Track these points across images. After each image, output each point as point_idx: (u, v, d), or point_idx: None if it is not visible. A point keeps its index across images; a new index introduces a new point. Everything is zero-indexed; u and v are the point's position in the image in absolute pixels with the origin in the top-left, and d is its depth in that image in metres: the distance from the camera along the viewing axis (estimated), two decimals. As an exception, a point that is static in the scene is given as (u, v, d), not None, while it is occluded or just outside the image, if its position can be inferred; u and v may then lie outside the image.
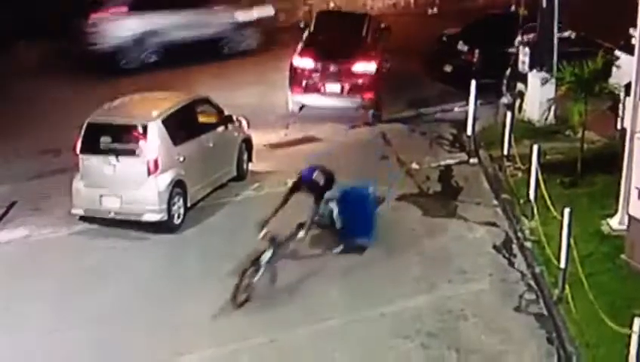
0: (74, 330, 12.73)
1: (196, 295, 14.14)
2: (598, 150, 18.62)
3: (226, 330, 12.97)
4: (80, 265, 14.07)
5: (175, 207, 16.58)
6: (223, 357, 12.27)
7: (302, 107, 23.61)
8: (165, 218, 16.31)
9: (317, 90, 23.46)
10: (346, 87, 23.20)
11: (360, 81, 23.29)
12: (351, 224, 15.44)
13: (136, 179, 16.23)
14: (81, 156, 16.65)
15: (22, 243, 16.25)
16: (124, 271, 14.64)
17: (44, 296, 13.95)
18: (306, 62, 23.70)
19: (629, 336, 10.25)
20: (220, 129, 18.57)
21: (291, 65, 23.67)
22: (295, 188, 14.55)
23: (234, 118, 19.08)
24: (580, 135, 18.04)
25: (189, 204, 17.10)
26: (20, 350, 12.61)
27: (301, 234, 14.22)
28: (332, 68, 23.45)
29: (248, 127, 19.66)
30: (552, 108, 20.73)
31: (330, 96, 23.44)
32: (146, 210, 16.10)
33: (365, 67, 23.39)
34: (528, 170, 16.61)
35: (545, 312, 13.37)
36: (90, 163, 16.56)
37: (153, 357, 12.26)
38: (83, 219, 16.39)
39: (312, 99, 23.43)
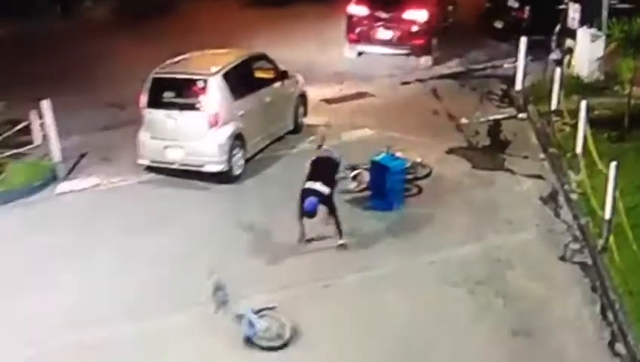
0: (139, 272, 13.04)
1: (254, 241, 14.34)
2: None
3: (281, 276, 13.14)
4: (147, 211, 14.35)
5: (235, 159, 16.75)
6: (278, 301, 12.26)
7: (360, 54, 23.67)
8: (226, 169, 16.50)
9: (370, 37, 23.56)
10: (397, 34, 23.23)
11: (411, 28, 23.29)
12: (379, 192, 15.46)
13: (197, 132, 16.37)
14: (145, 110, 16.88)
15: (93, 192, 16.58)
16: (187, 218, 14.91)
17: (113, 241, 14.27)
18: (359, 10, 23.82)
19: None
20: (277, 84, 18.68)
21: (347, 13, 23.75)
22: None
23: (290, 73, 19.17)
24: (627, 91, 17.81)
25: (248, 156, 17.29)
26: (91, 289, 12.96)
27: (341, 241, 14.10)
28: (384, 15, 23.48)
29: (304, 82, 19.75)
30: (601, 64, 20.55)
31: (382, 44, 23.50)
32: (207, 161, 16.28)
33: (416, 15, 23.36)
34: (576, 125, 16.56)
35: (589, 261, 13.35)
36: (154, 116, 16.76)
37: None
38: (149, 168, 16.66)
39: (365, 46, 23.52)
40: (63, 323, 12.03)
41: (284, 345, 11.10)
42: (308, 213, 13.42)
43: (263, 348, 11.09)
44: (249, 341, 11.02)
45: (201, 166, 16.17)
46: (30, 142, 17.66)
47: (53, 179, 16.95)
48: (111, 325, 11.88)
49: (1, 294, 12.89)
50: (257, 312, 11.25)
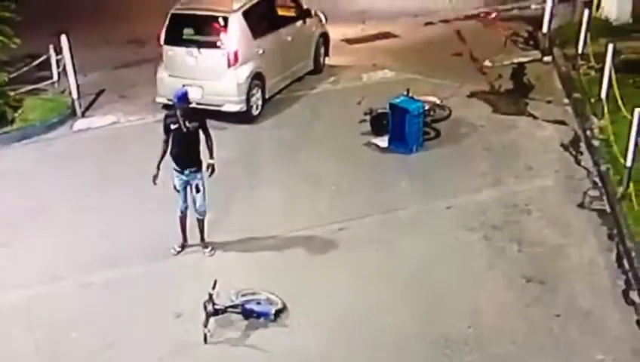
0: (156, 212, 13.18)
1: (270, 181, 14.53)
2: None
3: (299, 216, 13.32)
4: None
5: (254, 99, 16.84)
6: (293, 239, 12.63)
7: None
8: (244, 109, 16.58)
9: None
10: None
11: None
12: (397, 133, 15.47)
13: (217, 71, 16.43)
14: (164, 47, 16.93)
15: (110, 129, 16.80)
16: (204, 158, 14.99)
17: (130, 180, 14.42)
18: None
19: None
20: (299, 23, 18.67)
21: None
22: None
23: (312, 12, 19.12)
24: None
25: (267, 96, 17.35)
26: (109, 226, 13.22)
27: None
28: None
29: (326, 21, 19.70)
30: (631, 6, 20.36)
31: None
32: (226, 100, 16.35)
33: None
34: (602, 69, 16.36)
35: (607, 209, 13.34)
36: (174, 54, 16.84)
37: (230, 234, 12.72)
38: (167, 107, 16.46)
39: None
40: (79, 261, 12.27)
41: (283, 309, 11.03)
42: None
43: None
44: (277, 314, 10.84)
45: (220, 105, 16.20)
46: (48, 78, 17.81)
47: (70, 115, 17.14)
48: (126, 264, 12.13)
49: (19, 231, 13.15)
50: (244, 295, 11.07)
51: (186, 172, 11.98)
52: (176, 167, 11.99)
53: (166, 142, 11.92)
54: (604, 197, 13.75)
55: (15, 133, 16.42)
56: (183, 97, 11.80)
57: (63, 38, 16.78)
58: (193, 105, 12.34)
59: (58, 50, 17.15)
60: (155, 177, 11.92)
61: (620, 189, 13.32)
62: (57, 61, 17.44)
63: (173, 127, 11.85)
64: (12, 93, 17.02)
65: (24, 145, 16.17)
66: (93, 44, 19.49)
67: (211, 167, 12.14)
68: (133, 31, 21.20)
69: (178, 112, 11.84)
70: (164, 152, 11.95)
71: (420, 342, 10.42)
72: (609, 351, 10.18)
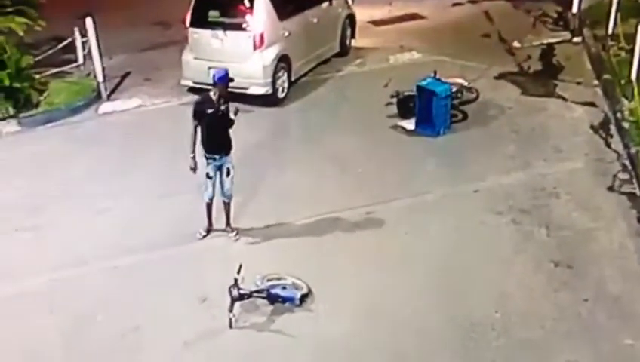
0: (182, 195, 13.25)
1: (297, 165, 14.58)
2: None
3: (326, 200, 13.33)
4: (189, 134, 14.62)
5: (279, 81, 16.90)
6: (319, 224, 12.65)
7: None
8: (270, 91, 16.65)
9: None
10: None
11: None
12: (424, 116, 15.48)
13: (242, 53, 16.48)
14: (190, 29, 17.01)
15: (136, 113, 16.93)
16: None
17: (155, 163, 14.63)
18: None
19: None
20: (325, 4, 18.70)
21: None
22: None
23: (338, -8, 19.10)
24: None
25: (293, 79, 17.42)
26: (134, 210, 13.32)
27: None
28: None
29: (352, 2, 19.69)
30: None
31: None
32: (251, 83, 16.37)
33: None
34: (632, 50, 16.29)
35: (638, 192, 13.28)
36: (199, 36, 16.92)
37: (256, 219, 12.75)
38: (192, 90, 16.78)
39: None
40: (104, 245, 12.38)
41: (308, 294, 11.03)
42: None
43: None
44: (302, 299, 10.86)
45: (246, 88, 16.18)
46: (73, 61, 17.92)
47: (95, 98, 17.26)
48: (152, 248, 12.19)
49: (45, 213, 13.30)
50: (269, 280, 11.10)
51: (217, 157, 12.00)
52: (208, 154, 11.97)
53: (196, 127, 11.90)
54: (635, 181, 13.65)
55: (40, 117, 16.55)
56: (226, 77, 11.79)
57: (88, 21, 16.86)
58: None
59: (83, 33, 17.25)
60: (195, 167, 12.01)
61: (651, 172, 13.26)
62: (83, 44, 17.55)
63: (209, 111, 11.80)
64: (37, 76, 17.17)
65: (49, 128, 16.31)
66: (118, 27, 19.58)
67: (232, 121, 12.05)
68: (158, 13, 21.31)
69: (215, 94, 11.83)
70: (195, 138, 11.93)
71: (447, 327, 10.42)
72: (638, 336, 10.13)
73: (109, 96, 17.44)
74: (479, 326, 10.40)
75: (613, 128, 15.48)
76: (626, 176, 13.83)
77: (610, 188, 13.51)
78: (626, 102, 15.90)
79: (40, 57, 17.34)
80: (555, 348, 10.05)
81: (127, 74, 18.34)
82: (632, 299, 10.84)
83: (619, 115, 15.68)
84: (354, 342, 10.28)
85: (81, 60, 17.85)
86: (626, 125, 15.19)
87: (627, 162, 14.25)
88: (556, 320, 10.49)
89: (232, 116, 11.96)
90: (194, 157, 11.95)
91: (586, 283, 11.15)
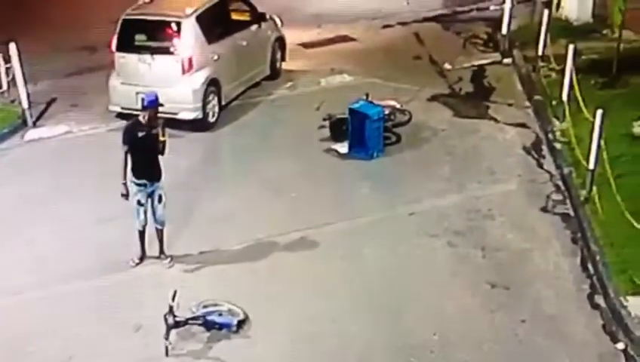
0: (112, 224, 13.24)
1: (230, 190, 14.62)
2: (636, 50, 18.38)
3: (260, 225, 13.39)
4: (118, 160, 14.60)
5: (210, 105, 16.91)
6: (253, 249, 12.77)
7: None
8: (200, 116, 16.65)
9: None
10: None
11: None
12: (357, 139, 15.63)
13: (171, 77, 16.42)
14: (116, 54, 16.93)
15: (63, 139, 16.81)
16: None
17: (85, 190, 14.54)
18: None
19: None
20: (254, 27, 18.74)
21: None
22: None
23: (267, 16, 19.19)
24: (617, 35, 17.85)
25: (223, 103, 17.43)
26: (65, 238, 13.25)
27: None
28: None
29: (282, 25, 19.81)
30: (591, 6, 20.64)
31: None
32: (181, 108, 16.29)
33: None
34: (562, 71, 16.51)
35: (571, 213, 13.57)
36: (126, 60, 16.85)
37: (189, 245, 12.76)
38: (120, 115, 16.66)
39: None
40: (34, 275, 12.29)
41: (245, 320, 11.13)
42: None
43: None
44: (239, 325, 10.97)
45: (175, 113, 16.04)
46: (-3, 87, 17.83)
47: (21, 125, 17.13)
48: (83, 277, 12.16)
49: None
50: (205, 306, 11.18)
51: (149, 184, 12.07)
52: (139, 181, 12.03)
53: (127, 153, 11.92)
54: (568, 201, 13.98)
55: (-35, 145, 16.39)
56: (155, 100, 11.88)
57: (12, 47, 16.75)
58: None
59: (7, 59, 17.13)
60: (126, 194, 12.05)
61: (584, 192, 13.54)
62: (6, 70, 17.42)
63: (140, 135, 11.86)
64: (-40, 105, 17.01)
65: (-25, 155, 16.18)
66: (43, 52, 19.42)
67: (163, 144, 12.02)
68: (84, 37, 21.16)
69: (144, 118, 11.90)
70: (126, 164, 11.95)
71: (385, 351, 10.59)
72: (575, 356, 10.44)
73: (34, 122, 17.28)
74: (418, 348, 10.58)
75: (545, 149, 15.79)
76: (559, 197, 14.16)
77: (544, 209, 13.83)
78: (557, 122, 16.21)
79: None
80: None
81: (53, 100, 18.19)
82: (568, 319, 11.14)
83: (550, 135, 15.99)
84: None
85: (5, 87, 17.70)
86: (557, 146, 15.51)
87: (560, 183, 14.56)
88: (494, 341, 10.70)
89: (161, 138, 11.94)
90: (125, 183, 12.00)
91: (522, 304, 11.41)
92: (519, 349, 10.59)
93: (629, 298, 11.05)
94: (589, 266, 12.19)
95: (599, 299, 11.47)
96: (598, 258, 12.07)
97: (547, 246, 12.77)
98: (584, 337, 10.80)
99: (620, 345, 10.63)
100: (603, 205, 12.88)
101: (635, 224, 11.54)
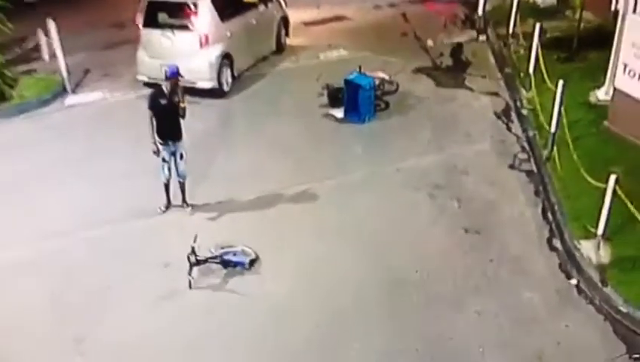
0: (141, 178, 13.38)
1: (242, 149, 14.79)
2: (593, 29, 18.26)
3: (268, 179, 13.57)
4: (146, 123, 14.85)
5: (224, 76, 17.02)
6: (263, 199, 12.93)
7: None
8: (216, 85, 16.76)
9: None
10: None
11: None
12: (351, 105, 15.78)
13: (190, 51, 16.50)
14: (142, 30, 17.03)
15: (98, 105, 16.92)
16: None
17: (119, 148, 14.74)
18: None
19: (604, 190, 10.54)
20: (262, 8, 18.83)
21: None
22: None
23: (273, -2, 19.18)
24: (577, 15, 17.86)
25: (235, 74, 17.52)
26: (102, 189, 13.48)
27: None
28: None
29: (286, 5, 19.84)
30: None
31: None
32: (199, 78, 16.41)
33: None
34: (530, 47, 16.55)
35: (534, 169, 13.69)
36: (151, 36, 16.93)
37: (208, 195, 12.98)
38: (147, 84, 16.73)
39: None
40: (77, 219, 12.54)
41: (256, 259, 11.39)
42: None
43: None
44: (251, 264, 11.22)
45: (194, 83, 16.18)
46: (39, 59, 17.89)
47: (62, 92, 17.26)
48: (119, 222, 12.40)
49: (22, 195, 13.39)
50: (222, 248, 11.37)
51: (171, 143, 12.29)
52: (163, 141, 12.23)
53: (152, 117, 12.13)
54: (532, 159, 14.06)
55: (14, 109, 16.53)
56: (176, 72, 12.03)
57: (51, 23, 16.86)
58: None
59: (47, 35, 17.21)
60: (157, 151, 12.24)
61: (545, 152, 13.62)
62: (47, 44, 17.50)
63: (163, 102, 12.05)
64: (8, 73, 17.08)
65: (22, 118, 16.29)
66: (78, 29, 19.43)
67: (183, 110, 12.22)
68: (114, 16, 21.14)
69: (167, 87, 12.06)
70: (153, 126, 12.16)
71: (375, 285, 10.77)
72: (535, 290, 10.61)
73: (73, 90, 17.43)
74: (402, 283, 10.78)
75: (513, 115, 15.87)
76: (524, 156, 14.25)
77: (512, 166, 13.93)
78: (524, 92, 16.24)
79: (9, 57, 17.24)
80: (465, 300, 10.45)
81: (88, 70, 18.31)
82: (530, 259, 11.31)
83: (518, 103, 16.07)
84: (296, 299, 10.59)
85: (46, 58, 17.81)
86: (524, 112, 15.58)
87: (525, 144, 14.65)
88: (466, 277, 10.89)
89: (182, 105, 12.11)
90: (155, 142, 12.20)
91: (491, 246, 11.58)
92: (488, 284, 10.75)
93: (581, 241, 11.17)
94: (549, 215, 12.31)
95: (557, 243, 11.63)
96: (556, 208, 12.19)
97: (513, 198, 12.88)
98: (543, 274, 10.98)
99: (574, 281, 10.83)
100: (562, 163, 12.93)
101: (589, 179, 11.54)
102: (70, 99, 17.16)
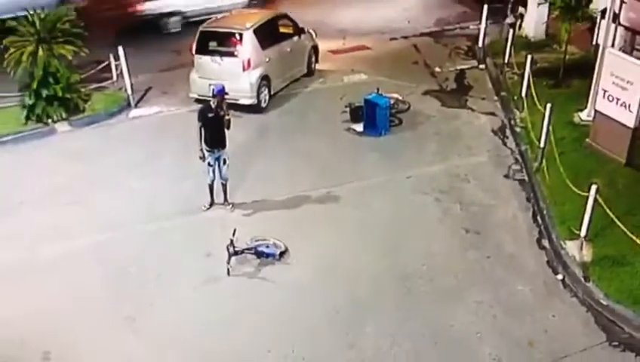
0: (189, 179, 13.22)
1: (276, 156, 14.52)
2: (577, 60, 17.95)
3: (297, 183, 13.33)
4: (195, 133, 14.59)
5: (262, 95, 16.77)
6: (293, 200, 12.70)
7: None
8: (255, 102, 16.53)
9: None
10: None
11: None
12: (370, 121, 15.46)
13: (235, 73, 16.30)
14: (195, 55, 16.88)
15: (157, 117, 16.73)
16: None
17: (172, 154, 14.52)
18: None
19: (587, 198, 10.45)
20: (295, 38, 18.54)
21: None
22: None
23: (305, 29, 19.04)
24: (564, 48, 17.56)
25: (272, 93, 17.29)
26: (156, 189, 13.28)
27: None
28: None
29: (316, 36, 19.63)
30: (545, 27, 20.34)
31: None
32: (241, 95, 16.20)
33: None
34: (522, 74, 16.39)
35: (526, 179, 13.44)
36: (202, 61, 16.75)
37: (246, 196, 12.73)
38: (197, 101, 16.50)
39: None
40: (133, 215, 12.39)
41: (285, 251, 11.12)
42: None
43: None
44: (281, 255, 10.98)
45: (237, 100, 15.98)
46: (109, 78, 17.78)
47: (126, 106, 17.10)
48: (168, 217, 12.22)
49: (89, 193, 13.23)
50: (257, 240, 11.14)
51: (216, 150, 12.06)
52: (209, 148, 12.05)
53: (201, 128, 11.96)
54: (524, 170, 13.81)
55: (86, 119, 16.33)
56: (223, 90, 11.94)
57: (120, 49, 16.73)
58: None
59: (116, 58, 17.09)
60: (203, 157, 12.08)
61: (535, 164, 13.42)
62: (116, 66, 17.39)
63: (210, 115, 11.90)
64: (83, 90, 16.95)
65: (93, 128, 16.11)
66: (142, 54, 19.29)
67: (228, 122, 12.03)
68: (173, 43, 21.10)
69: (214, 103, 11.88)
70: (201, 136, 12.01)
71: (387, 277, 10.59)
72: (526, 283, 10.44)
73: (136, 104, 17.22)
74: (411, 276, 10.59)
75: (508, 132, 15.55)
76: (517, 167, 13.97)
77: (506, 176, 13.66)
78: (517, 112, 15.98)
79: (84, 75, 17.13)
80: (466, 292, 10.27)
81: (149, 88, 18.14)
82: (522, 256, 11.10)
83: (512, 122, 15.78)
84: (320, 286, 10.44)
85: (115, 78, 17.68)
86: (517, 129, 15.31)
87: (518, 157, 14.38)
88: (466, 271, 10.70)
89: (226, 118, 11.95)
90: (202, 149, 12.04)
91: (488, 245, 11.37)
92: (485, 278, 10.56)
93: (567, 242, 10.99)
94: (538, 218, 12.10)
95: (545, 242, 11.43)
96: (545, 212, 12.00)
97: (508, 203, 12.65)
98: (533, 269, 10.78)
99: (560, 276, 10.63)
100: (550, 174, 12.75)
101: (573, 188, 11.41)
102: (133, 113, 16.94)
